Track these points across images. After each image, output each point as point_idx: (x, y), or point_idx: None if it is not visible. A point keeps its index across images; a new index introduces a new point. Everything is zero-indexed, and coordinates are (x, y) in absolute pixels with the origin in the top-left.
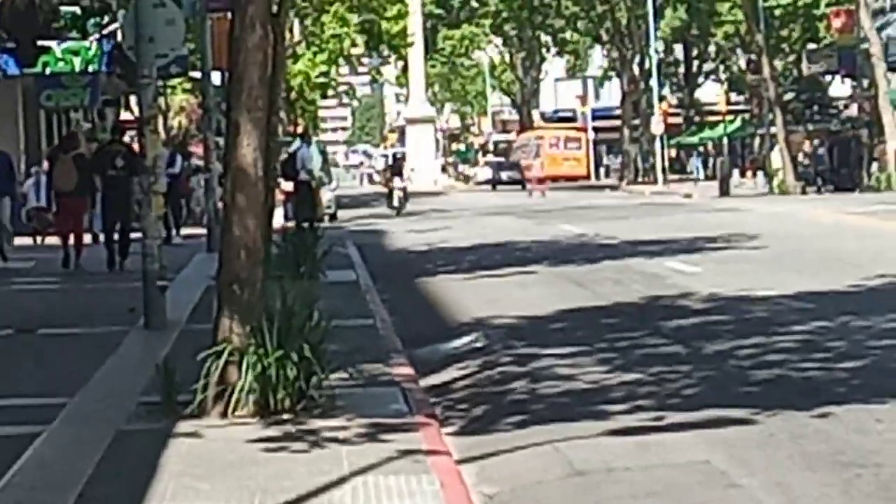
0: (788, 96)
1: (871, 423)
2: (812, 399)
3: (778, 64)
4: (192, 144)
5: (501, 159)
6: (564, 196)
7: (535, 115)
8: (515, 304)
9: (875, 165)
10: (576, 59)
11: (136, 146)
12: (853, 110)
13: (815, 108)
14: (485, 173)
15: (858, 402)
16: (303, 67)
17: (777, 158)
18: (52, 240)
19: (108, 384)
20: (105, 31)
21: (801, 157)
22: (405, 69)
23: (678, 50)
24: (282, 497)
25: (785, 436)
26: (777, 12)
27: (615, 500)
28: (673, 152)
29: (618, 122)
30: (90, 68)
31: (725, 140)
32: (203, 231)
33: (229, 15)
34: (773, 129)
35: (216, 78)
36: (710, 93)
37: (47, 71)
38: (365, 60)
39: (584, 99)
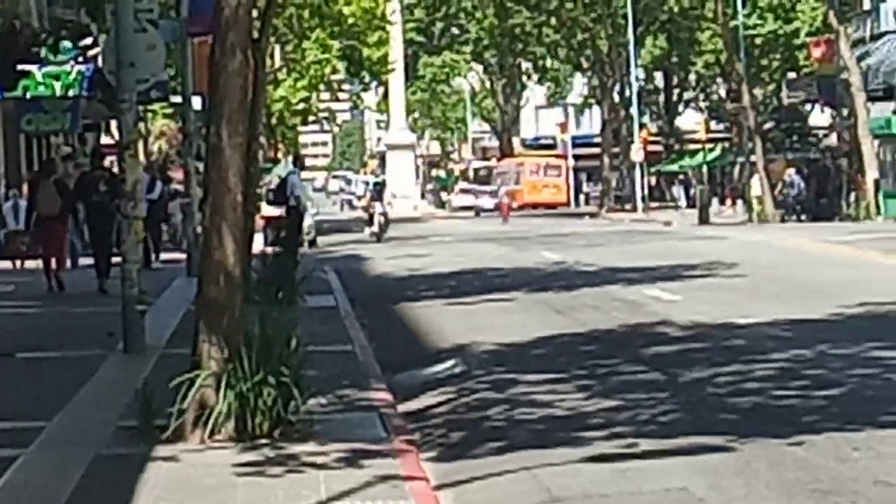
0: (768, 125)
1: (849, 452)
2: (790, 427)
3: (758, 93)
4: (173, 169)
5: (474, 186)
6: (544, 223)
7: (516, 141)
8: (494, 330)
9: (852, 195)
10: (556, 86)
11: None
12: (833, 139)
13: (795, 136)
14: (459, 200)
15: (836, 431)
16: (283, 93)
17: (757, 187)
18: (31, 263)
19: (86, 408)
20: (86, 56)
21: (780, 185)
22: (386, 95)
23: (658, 78)
24: None
25: (763, 463)
26: (757, 41)
27: None
28: (653, 180)
29: (598, 150)
30: (71, 92)
31: (705, 168)
32: (182, 255)
33: (210, 40)
34: (752, 158)
35: (197, 103)
36: (691, 121)
37: (28, 95)
38: (346, 87)
39: (564, 126)
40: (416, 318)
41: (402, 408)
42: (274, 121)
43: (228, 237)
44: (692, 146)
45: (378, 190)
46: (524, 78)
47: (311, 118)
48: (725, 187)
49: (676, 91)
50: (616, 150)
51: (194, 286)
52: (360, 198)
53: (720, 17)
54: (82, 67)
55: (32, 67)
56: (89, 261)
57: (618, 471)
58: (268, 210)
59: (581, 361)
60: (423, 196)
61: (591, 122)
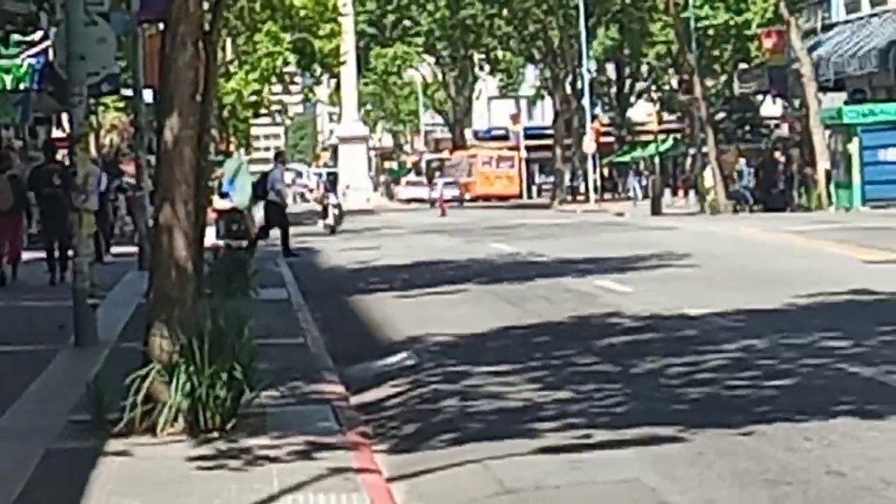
0: (720, 116)
1: (800, 441)
2: (742, 417)
3: (710, 84)
4: (125, 163)
5: (421, 178)
6: (497, 214)
7: (468, 133)
8: (447, 322)
9: (802, 185)
10: (508, 78)
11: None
12: (784, 130)
13: (747, 127)
14: (406, 192)
15: (788, 420)
16: (235, 86)
17: (709, 177)
18: None
19: (37, 402)
20: (36, 49)
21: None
22: (338, 88)
23: (610, 69)
24: None
25: (714, 453)
26: (709, 32)
27: None
28: (606, 171)
29: (550, 141)
30: (21, 86)
31: (657, 159)
32: (133, 249)
33: (161, 32)
34: (704, 149)
35: (148, 96)
36: (643, 112)
37: None
38: (298, 79)
39: (516, 118)
40: (368, 310)
41: (354, 400)
42: (226, 113)
43: (179, 230)
44: (644, 137)
45: (332, 182)
46: (476, 69)
47: (262, 111)
48: (678, 178)
49: (628, 82)
50: (568, 141)
51: (146, 280)
52: (311, 190)
53: (672, 9)
54: (33, 61)
55: None
56: (40, 254)
57: (570, 462)
58: (220, 203)
59: (534, 353)
60: (375, 188)
61: (544, 114)
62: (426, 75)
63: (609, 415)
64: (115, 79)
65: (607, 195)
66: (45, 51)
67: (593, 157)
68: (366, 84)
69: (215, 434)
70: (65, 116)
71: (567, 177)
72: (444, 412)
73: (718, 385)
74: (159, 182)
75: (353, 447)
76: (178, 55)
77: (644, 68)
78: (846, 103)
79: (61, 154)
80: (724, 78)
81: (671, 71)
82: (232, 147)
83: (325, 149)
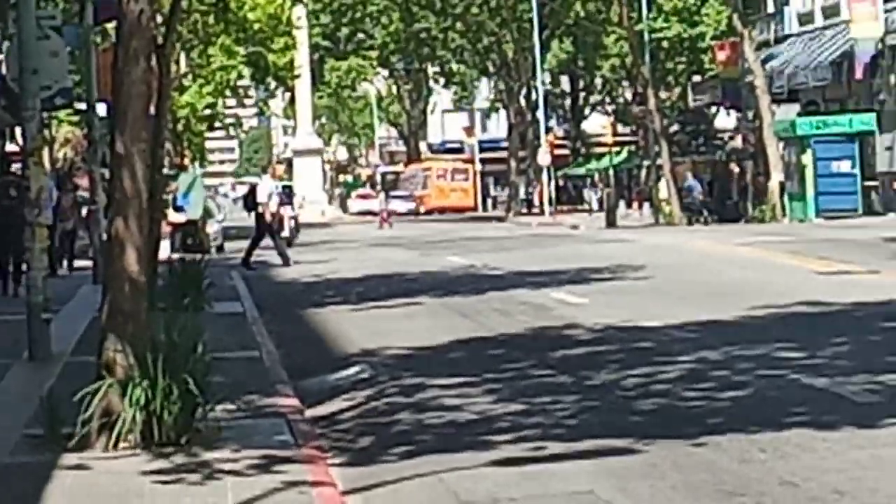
0: (674, 128)
1: (755, 453)
2: (696, 428)
3: (664, 96)
4: (78, 176)
5: (371, 192)
6: (451, 227)
7: (423, 146)
8: (402, 335)
9: (754, 197)
10: (463, 90)
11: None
12: (738, 142)
13: (701, 139)
14: (357, 205)
15: (742, 432)
16: (189, 99)
17: (664, 189)
18: None
19: None
20: None
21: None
22: (292, 101)
23: (565, 82)
24: None
25: (669, 465)
26: (663, 45)
27: None
28: (561, 183)
29: (505, 154)
30: None
31: (612, 171)
32: (88, 263)
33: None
34: (659, 161)
35: (102, 110)
36: (597, 124)
37: None
38: (252, 92)
39: (470, 130)
40: (323, 323)
41: (309, 413)
42: (180, 127)
43: (133, 244)
44: (599, 149)
45: (287, 195)
46: (430, 82)
47: (217, 124)
48: (632, 190)
49: (583, 95)
50: (523, 153)
51: (100, 293)
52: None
53: (625, 21)
54: None
55: None
56: None
57: (525, 474)
58: (174, 216)
59: (488, 365)
60: (330, 201)
61: (498, 127)
62: (381, 88)
63: (564, 427)
64: (68, 92)
65: (562, 207)
66: None
67: (548, 170)
68: (320, 97)
69: (170, 448)
70: (18, 130)
71: (522, 189)
72: (399, 425)
73: (673, 397)
74: (113, 196)
75: (309, 460)
76: (131, 69)
77: (598, 81)
78: (799, 115)
79: (15, 168)
80: (678, 90)
81: (625, 83)
82: (186, 161)
83: (279, 162)
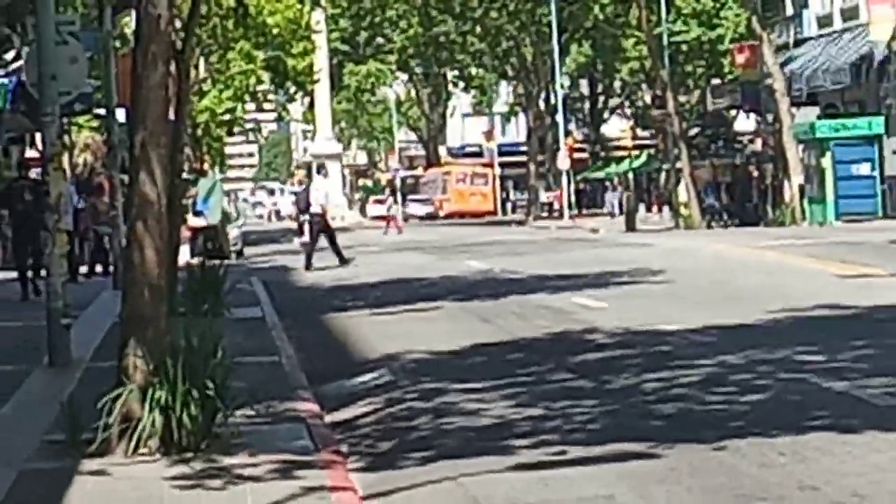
0: (693, 131)
1: (774, 456)
2: (715, 432)
3: (683, 99)
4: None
5: (388, 196)
6: (470, 232)
7: (442, 150)
8: (421, 339)
9: (774, 200)
10: (482, 94)
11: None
12: (758, 145)
13: (720, 142)
14: (374, 210)
15: (761, 436)
16: (208, 104)
17: (683, 193)
18: None
19: (11, 422)
20: (8, 68)
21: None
22: (311, 105)
23: (584, 85)
24: None
25: (688, 469)
26: (682, 48)
27: None
28: (580, 186)
29: (524, 158)
30: None
31: (631, 175)
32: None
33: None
34: (678, 164)
35: (121, 115)
36: (616, 128)
37: None
38: (271, 97)
39: (490, 134)
40: (342, 328)
41: (329, 418)
42: (199, 132)
43: (152, 249)
44: (618, 153)
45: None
46: (450, 86)
47: (236, 129)
48: (652, 194)
49: (602, 98)
50: (542, 157)
51: (120, 299)
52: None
53: (644, 25)
54: (5, 80)
55: None
56: (12, 274)
57: (544, 479)
58: (194, 221)
59: (508, 370)
60: (350, 206)
61: (518, 130)
62: (400, 92)
63: (583, 431)
64: (87, 98)
65: (582, 211)
66: (17, 70)
67: (567, 174)
68: (339, 102)
69: (189, 453)
70: (38, 136)
71: (542, 193)
72: (419, 429)
73: (692, 400)
74: (132, 201)
75: (328, 465)
76: (150, 74)
77: (617, 84)
78: (819, 118)
79: (35, 173)
80: (697, 93)
81: (644, 87)
82: (206, 166)
83: (299, 167)
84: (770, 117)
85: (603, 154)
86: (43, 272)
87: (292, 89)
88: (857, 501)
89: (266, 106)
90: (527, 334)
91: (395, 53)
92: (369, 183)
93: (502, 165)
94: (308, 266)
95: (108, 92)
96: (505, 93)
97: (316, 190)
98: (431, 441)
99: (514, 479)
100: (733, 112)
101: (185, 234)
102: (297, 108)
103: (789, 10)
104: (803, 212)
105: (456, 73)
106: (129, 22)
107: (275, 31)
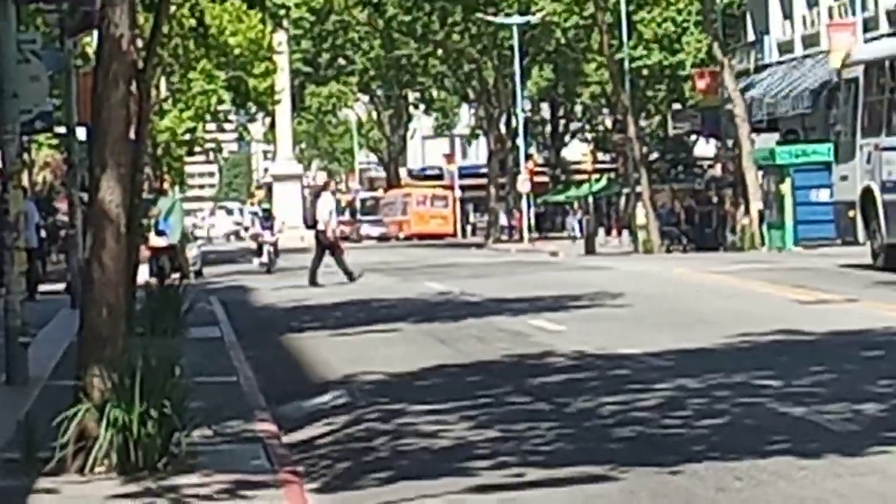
0: (654, 156)
1: (731, 481)
2: (673, 456)
3: (643, 124)
4: (58, 200)
5: (346, 217)
6: (430, 254)
7: (403, 172)
8: (380, 361)
9: (731, 226)
10: (443, 117)
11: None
12: (718, 170)
13: (680, 167)
14: (339, 231)
15: (719, 460)
16: (169, 123)
17: (641, 216)
18: None
19: None
20: None
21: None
22: (272, 126)
23: (545, 109)
24: None
25: (646, 493)
26: (643, 73)
27: None
28: (541, 210)
29: (485, 181)
30: None
31: (591, 199)
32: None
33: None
34: (638, 189)
35: (81, 134)
36: (577, 151)
37: None
38: (232, 117)
39: (451, 157)
40: (301, 349)
41: (286, 439)
42: (160, 151)
43: (111, 268)
44: (578, 177)
45: (266, 219)
46: (411, 108)
47: (197, 149)
48: (612, 218)
49: (563, 122)
50: (503, 180)
51: (78, 318)
52: (246, 228)
53: (606, 49)
54: None
55: None
56: None
57: (503, 501)
58: (156, 241)
59: (467, 392)
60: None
61: (478, 153)
62: (361, 114)
63: (542, 453)
64: (48, 116)
65: (543, 234)
66: None
67: (527, 197)
68: (300, 123)
69: (145, 472)
70: None
71: (502, 216)
72: (377, 450)
73: (650, 424)
74: (91, 220)
75: (284, 485)
76: (111, 93)
77: (578, 108)
78: (779, 144)
79: None
80: (657, 118)
81: (605, 111)
82: (166, 185)
83: (259, 187)
84: (730, 143)
85: (563, 178)
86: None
87: (253, 109)
88: None
89: (227, 126)
90: (486, 357)
91: (356, 75)
92: None
93: (463, 188)
94: (313, 282)
95: (68, 110)
96: (466, 115)
97: (322, 207)
98: (390, 462)
99: (473, 500)
100: (693, 137)
101: (145, 253)
102: (258, 129)
103: (750, 37)
104: (762, 237)
105: (417, 95)
106: (91, 41)
107: (236, 51)
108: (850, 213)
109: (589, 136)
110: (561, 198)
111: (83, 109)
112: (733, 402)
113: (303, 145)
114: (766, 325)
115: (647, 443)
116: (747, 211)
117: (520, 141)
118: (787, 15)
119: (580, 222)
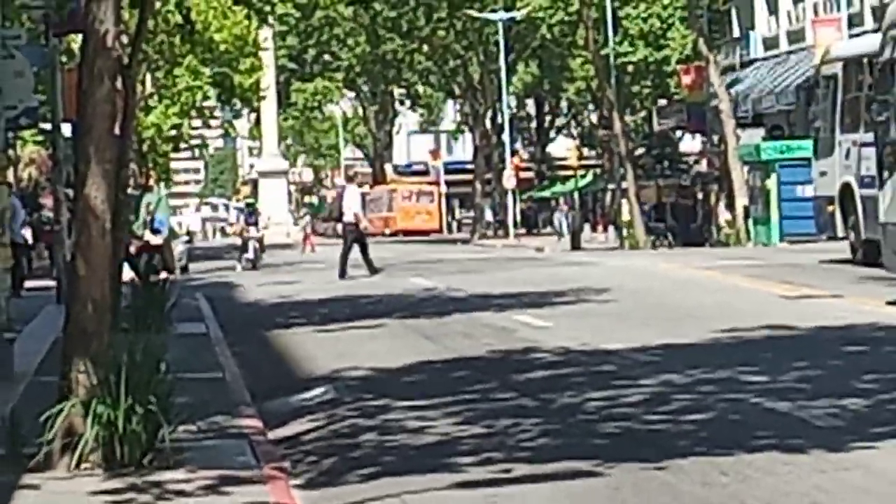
0: (639, 151)
1: (716, 476)
2: (658, 452)
3: (629, 119)
4: (43, 196)
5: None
6: (416, 249)
7: (388, 168)
8: (366, 356)
9: (717, 220)
10: (429, 113)
11: None
12: (703, 166)
13: (666, 163)
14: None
15: (704, 455)
16: (155, 119)
17: (626, 212)
18: None
19: None
20: None
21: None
22: (258, 122)
23: (530, 105)
24: None
25: (631, 488)
26: (629, 68)
27: None
28: (526, 205)
29: (470, 176)
30: None
31: (577, 194)
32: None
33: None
34: (624, 184)
35: (67, 130)
36: (562, 147)
37: None
38: (218, 113)
39: (436, 153)
40: (287, 345)
41: (272, 435)
42: (145, 147)
43: (96, 264)
44: (564, 172)
45: (251, 214)
46: (396, 104)
47: (182, 145)
48: (597, 213)
49: (548, 118)
50: (488, 176)
51: (64, 314)
52: (231, 224)
53: (591, 45)
54: None
55: None
56: None
57: (488, 496)
58: (152, 238)
59: (452, 387)
60: (295, 223)
61: (464, 149)
62: (346, 110)
63: (527, 449)
64: (33, 112)
65: (529, 230)
66: None
67: (513, 193)
68: (286, 119)
69: (131, 468)
70: None
71: (488, 212)
72: (362, 446)
73: (636, 420)
74: (77, 216)
75: (269, 481)
76: (96, 89)
77: (564, 104)
78: (764, 139)
79: None
80: (643, 114)
81: (591, 106)
82: (151, 181)
83: (245, 183)
84: (716, 138)
85: (549, 173)
86: None
87: (239, 106)
88: None
89: (212, 122)
90: (471, 352)
91: (342, 71)
92: (315, 200)
93: (448, 184)
94: (342, 274)
95: (53, 107)
96: (452, 111)
97: (349, 199)
98: (375, 458)
99: (458, 496)
100: (679, 133)
101: (132, 249)
102: (243, 125)
103: (736, 32)
104: (748, 232)
105: (403, 91)
106: (76, 37)
107: (222, 47)
108: (830, 209)
109: (574, 131)
110: (546, 194)
111: (68, 105)
112: (718, 398)
113: (288, 141)
114: (752, 320)
115: (632, 438)
116: (729, 206)
117: (505, 137)
118: (773, 11)
119: (566, 218)
